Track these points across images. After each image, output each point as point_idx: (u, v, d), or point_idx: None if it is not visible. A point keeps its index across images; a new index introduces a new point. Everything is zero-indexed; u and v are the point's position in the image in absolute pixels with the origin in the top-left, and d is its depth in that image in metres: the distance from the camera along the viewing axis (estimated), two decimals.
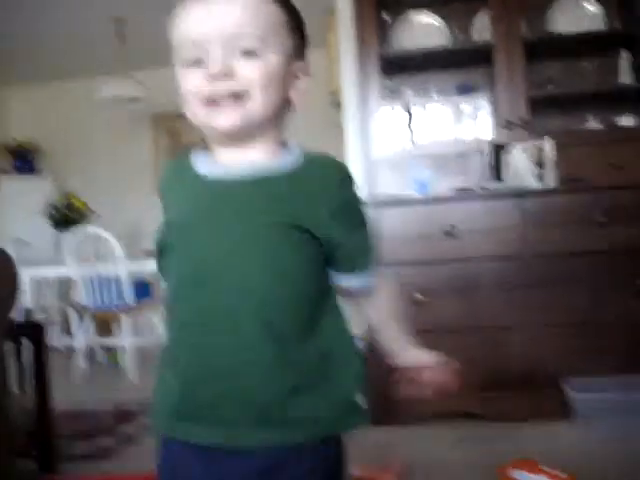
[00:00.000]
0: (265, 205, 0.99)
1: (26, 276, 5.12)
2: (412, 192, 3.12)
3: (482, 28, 3.34)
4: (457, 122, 3.41)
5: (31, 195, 6.76)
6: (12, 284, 2.00)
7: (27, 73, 6.99)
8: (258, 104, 0.99)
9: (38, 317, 2.92)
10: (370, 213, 1.11)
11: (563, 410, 2.73)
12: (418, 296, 2.82)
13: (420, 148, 3.31)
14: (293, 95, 1.06)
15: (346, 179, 1.05)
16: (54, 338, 5.46)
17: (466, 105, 3.40)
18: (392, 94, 3.43)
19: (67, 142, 7.20)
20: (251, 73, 0.98)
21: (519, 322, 2.82)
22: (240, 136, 1.02)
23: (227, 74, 0.97)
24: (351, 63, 3.33)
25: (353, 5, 3.22)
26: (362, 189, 3.27)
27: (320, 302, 1.04)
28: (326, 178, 1.03)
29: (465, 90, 3.43)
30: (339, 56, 3.60)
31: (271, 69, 1.00)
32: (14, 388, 2.60)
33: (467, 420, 2.84)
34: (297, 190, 1.00)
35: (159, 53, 6.86)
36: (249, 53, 0.98)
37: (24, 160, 7.11)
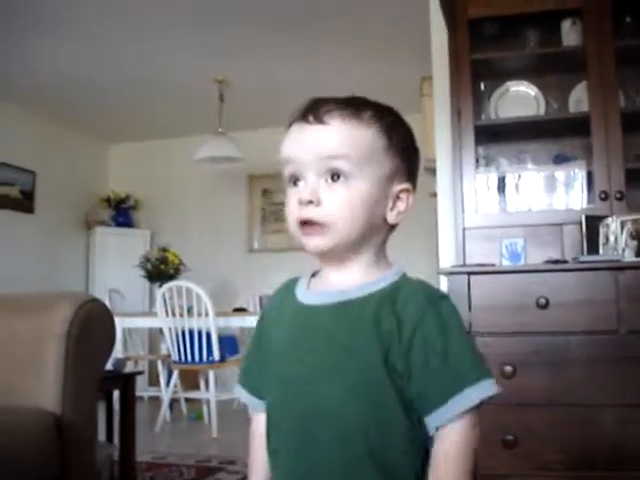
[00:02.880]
0: (346, 330, 1.01)
1: (118, 326, 5.24)
2: (504, 262, 3.08)
3: (579, 99, 3.32)
4: (551, 192, 3.36)
5: (127, 247, 6.98)
6: (110, 338, 2.06)
7: (128, 130, 7.29)
8: (341, 234, 1.02)
9: (127, 368, 2.98)
10: (456, 305, 1.04)
11: None
12: (507, 368, 2.76)
13: (513, 217, 3.28)
14: (390, 217, 1.07)
15: (428, 308, 1.00)
16: (140, 388, 5.57)
17: (561, 175, 3.36)
18: (487, 163, 3.43)
19: (164, 197, 7.43)
20: (336, 205, 1.02)
21: (611, 401, 2.71)
22: (333, 258, 1.06)
23: (314, 202, 1.02)
24: (446, 132, 3.34)
25: (450, 74, 3.25)
26: (453, 257, 3.26)
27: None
28: (408, 303, 1.01)
29: (561, 160, 3.39)
30: (434, 123, 3.62)
31: (358, 198, 1.02)
32: (102, 437, 2.66)
33: None
34: (376, 319, 1.00)
35: (256, 115, 7.12)
36: (340, 176, 1.02)
37: (122, 213, 7.36)
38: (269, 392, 1.09)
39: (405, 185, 1.08)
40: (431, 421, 0.98)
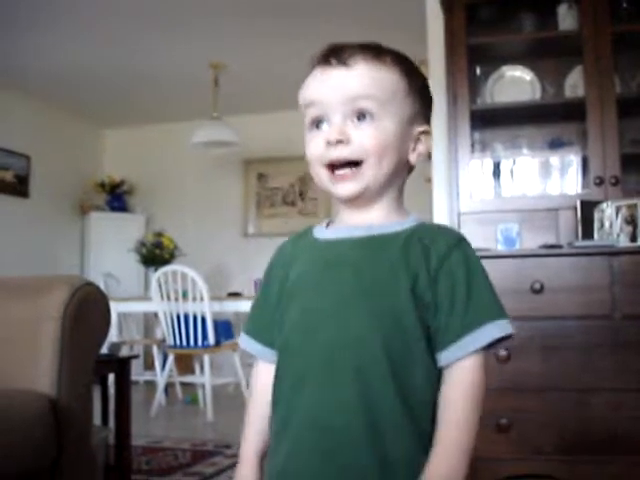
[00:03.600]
0: (372, 263, 1.02)
1: (113, 310, 5.25)
2: (499, 247, 3.08)
3: (575, 84, 3.32)
4: (546, 177, 3.37)
5: (122, 232, 6.98)
6: (105, 322, 2.07)
7: (123, 115, 7.27)
8: (373, 172, 1.04)
9: (123, 352, 2.98)
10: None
11: None
12: (501, 353, 2.77)
13: (508, 202, 3.28)
14: (412, 158, 1.10)
15: (455, 245, 1.04)
16: (135, 372, 5.59)
17: (556, 160, 3.36)
18: (482, 148, 3.43)
19: (159, 182, 7.42)
20: (367, 141, 1.03)
21: (604, 385, 2.73)
22: (360, 201, 1.07)
23: (344, 141, 1.02)
24: (442, 116, 3.34)
25: (446, 59, 3.24)
26: None
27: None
28: (436, 239, 1.03)
29: (556, 145, 3.39)
30: None
31: (387, 136, 1.04)
32: (97, 421, 2.67)
33: None
34: (404, 251, 1.02)
35: (251, 100, 7.10)
36: (366, 116, 1.03)
37: (117, 198, 7.35)
38: (287, 329, 1.07)
39: (425, 127, 1.11)
40: (445, 356, 1.00)
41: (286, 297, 1.09)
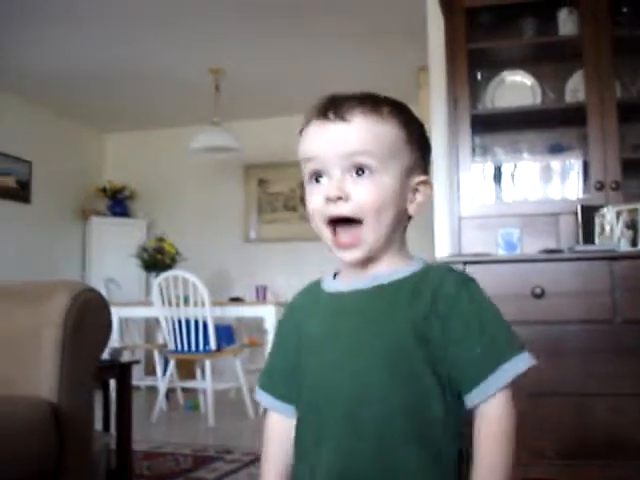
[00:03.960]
0: (382, 311, 1.03)
1: (114, 316, 5.25)
2: (500, 251, 3.08)
3: (575, 89, 3.32)
4: (547, 182, 3.37)
5: (123, 237, 6.98)
6: (106, 327, 2.07)
7: (124, 120, 7.27)
8: (374, 233, 1.04)
9: (124, 357, 2.98)
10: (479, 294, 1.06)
11: None
12: None
13: (509, 207, 3.29)
14: (410, 209, 1.09)
15: (463, 285, 1.04)
16: (137, 377, 5.58)
17: (557, 165, 3.36)
18: (483, 152, 3.43)
19: (160, 187, 7.43)
20: (365, 197, 1.03)
21: (606, 390, 2.73)
22: (366, 262, 1.07)
23: (343, 198, 1.03)
24: (443, 121, 3.35)
25: (446, 64, 3.25)
26: (448, 246, 3.26)
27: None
28: (443, 282, 1.03)
29: (557, 150, 3.40)
30: (430, 114, 3.62)
31: (385, 191, 1.04)
32: (98, 426, 2.67)
33: None
34: (414, 297, 1.02)
35: (252, 105, 7.10)
36: (365, 171, 1.03)
37: (118, 203, 7.35)
38: (308, 384, 1.08)
39: (423, 177, 1.10)
40: (471, 398, 1.00)
41: (305, 352, 1.10)
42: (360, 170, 1.03)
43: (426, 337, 1.00)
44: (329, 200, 1.04)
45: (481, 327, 1.00)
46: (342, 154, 1.03)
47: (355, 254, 1.05)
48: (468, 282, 1.04)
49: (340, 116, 1.04)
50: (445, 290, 1.02)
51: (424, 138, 1.13)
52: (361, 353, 1.02)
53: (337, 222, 1.05)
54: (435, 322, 1.00)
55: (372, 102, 1.07)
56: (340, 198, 1.03)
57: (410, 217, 1.12)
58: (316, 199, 1.06)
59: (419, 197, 1.09)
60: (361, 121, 1.04)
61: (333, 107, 1.06)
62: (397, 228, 1.08)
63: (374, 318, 1.03)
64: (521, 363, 1.00)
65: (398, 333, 1.01)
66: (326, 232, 1.06)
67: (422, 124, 1.14)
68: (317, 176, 1.07)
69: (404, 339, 1.00)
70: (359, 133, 1.03)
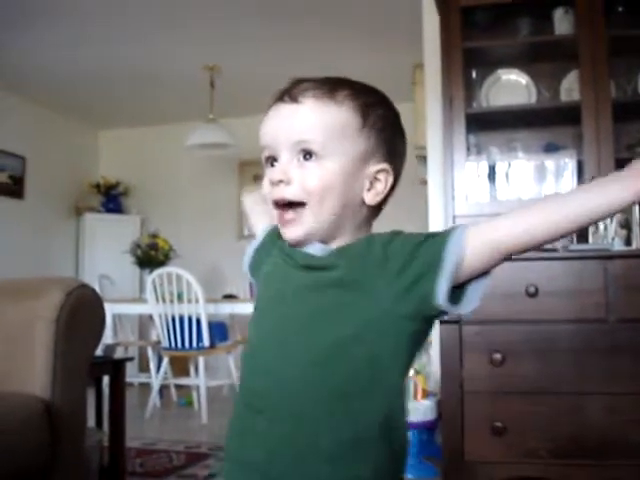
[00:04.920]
0: (317, 287, 1.02)
1: (108, 312, 5.24)
2: None
3: (570, 88, 3.32)
4: (542, 181, 3.37)
5: (117, 233, 6.97)
6: (99, 324, 2.06)
7: (118, 116, 7.26)
8: (314, 216, 1.03)
9: (117, 354, 2.98)
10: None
11: None
12: (496, 356, 2.77)
13: (504, 205, 3.28)
14: (367, 197, 1.05)
15: (393, 233, 1.02)
16: (130, 374, 5.58)
17: (551, 164, 3.36)
18: (477, 151, 3.43)
19: (154, 184, 7.42)
20: (308, 182, 1.02)
21: (599, 388, 2.73)
22: (306, 243, 1.06)
23: (284, 181, 1.03)
24: (438, 119, 3.35)
25: (441, 62, 3.24)
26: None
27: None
28: (370, 243, 1.02)
29: (551, 149, 3.40)
30: (425, 112, 3.62)
31: (330, 176, 1.02)
32: (91, 423, 2.66)
33: None
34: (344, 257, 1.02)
35: (247, 102, 7.09)
36: (311, 155, 1.02)
37: (112, 199, 7.34)
38: (251, 331, 1.10)
39: (382, 166, 1.06)
40: (441, 284, 0.95)
41: (260, 284, 1.15)
42: (307, 154, 1.02)
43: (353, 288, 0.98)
44: (272, 183, 1.04)
45: (417, 244, 0.97)
46: (289, 138, 1.03)
47: (295, 232, 1.03)
48: (399, 231, 1.03)
49: (293, 98, 1.04)
50: (378, 238, 1.01)
51: (389, 124, 1.08)
52: (291, 331, 1.02)
53: (284, 206, 1.04)
54: (374, 263, 0.98)
55: (330, 85, 1.05)
56: (282, 181, 1.03)
57: (377, 209, 1.09)
58: (265, 183, 1.07)
59: (379, 186, 1.05)
60: (311, 104, 1.03)
61: (289, 89, 1.05)
62: (347, 215, 1.04)
63: (310, 294, 1.03)
64: (458, 235, 0.98)
65: (334, 306, 1.00)
66: (275, 214, 1.06)
67: (392, 110, 1.10)
68: (272, 160, 1.07)
69: (339, 311, 0.99)
70: (307, 117, 1.02)
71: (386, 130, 1.07)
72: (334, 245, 1.05)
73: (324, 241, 1.05)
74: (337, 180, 1.02)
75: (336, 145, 1.02)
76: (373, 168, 1.05)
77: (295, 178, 1.02)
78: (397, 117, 1.11)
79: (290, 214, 1.03)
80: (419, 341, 1.02)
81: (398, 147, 1.10)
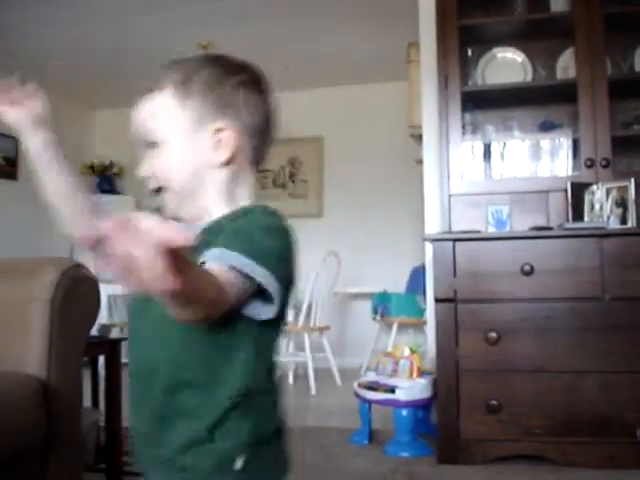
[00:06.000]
0: None
1: (103, 292, 5.22)
2: (490, 228, 3.08)
3: (566, 66, 3.31)
4: (537, 159, 3.37)
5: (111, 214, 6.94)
6: (95, 303, 2.06)
7: (113, 96, 7.21)
8: (170, 195, 1.09)
9: (113, 334, 2.98)
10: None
11: (638, 460, 2.64)
12: (491, 334, 2.78)
13: (499, 184, 3.28)
14: (217, 157, 1.07)
15: (243, 213, 1.03)
16: (125, 354, 5.57)
17: (547, 142, 3.36)
18: (473, 129, 3.42)
19: None
20: (158, 170, 1.09)
21: (595, 366, 2.74)
22: (185, 216, 1.10)
23: (149, 175, 1.10)
24: (433, 98, 3.33)
25: (437, 40, 3.23)
26: (438, 224, 3.26)
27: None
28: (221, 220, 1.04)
29: (547, 127, 3.39)
30: (420, 90, 3.61)
31: (170, 157, 1.07)
32: (87, 403, 2.66)
33: (537, 464, 2.77)
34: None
35: None
36: (153, 146, 1.08)
37: (106, 180, 7.30)
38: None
39: (218, 124, 1.07)
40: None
41: None
42: (152, 144, 1.08)
43: None
44: (144, 179, 1.11)
45: (234, 233, 0.97)
46: (140, 135, 1.10)
47: (169, 208, 1.10)
48: (251, 210, 1.04)
49: (148, 88, 1.12)
50: (222, 220, 1.03)
51: (215, 81, 1.09)
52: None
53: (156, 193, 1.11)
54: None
55: (160, 78, 1.12)
56: (147, 176, 1.10)
57: (254, 165, 1.12)
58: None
59: (223, 140, 1.07)
60: (145, 99, 1.10)
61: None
62: (203, 181, 1.07)
63: None
64: (245, 264, 0.92)
65: None
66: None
67: (219, 68, 1.12)
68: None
69: None
70: (141, 112, 1.10)
71: (213, 89, 1.09)
72: (213, 217, 1.07)
73: (193, 209, 1.09)
74: (179, 158, 1.07)
75: (166, 127, 1.07)
76: (212, 127, 1.07)
77: (155, 169, 1.09)
78: (227, 73, 1.12)
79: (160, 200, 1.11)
80: None
81: (230, 99, 1.09)
